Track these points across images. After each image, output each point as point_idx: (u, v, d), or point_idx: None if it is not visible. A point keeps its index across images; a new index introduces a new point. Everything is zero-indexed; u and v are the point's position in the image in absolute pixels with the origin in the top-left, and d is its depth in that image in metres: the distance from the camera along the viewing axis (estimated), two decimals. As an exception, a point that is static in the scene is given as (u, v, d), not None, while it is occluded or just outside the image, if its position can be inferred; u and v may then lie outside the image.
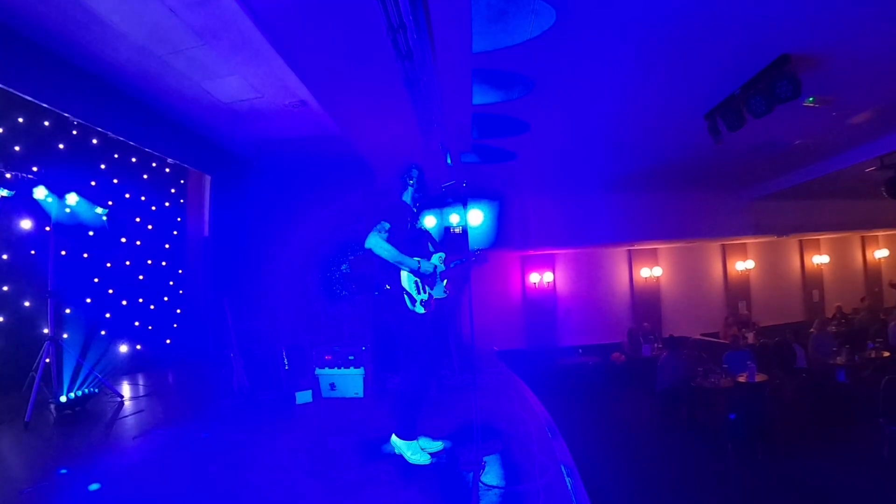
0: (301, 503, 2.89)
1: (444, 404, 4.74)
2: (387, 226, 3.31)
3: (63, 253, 5.85)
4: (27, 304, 5.59)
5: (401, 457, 3.38)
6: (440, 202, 8.38)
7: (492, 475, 3.12)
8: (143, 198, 7.47)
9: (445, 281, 3.63)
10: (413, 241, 3.46)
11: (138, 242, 7.37)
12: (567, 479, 3.00)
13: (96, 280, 6.61)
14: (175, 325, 7.98)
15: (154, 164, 7.67)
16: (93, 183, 6.50)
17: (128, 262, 7.17)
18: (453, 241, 8.24)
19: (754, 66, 5.10)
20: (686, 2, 4.05)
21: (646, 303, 13.17)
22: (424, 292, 3.41)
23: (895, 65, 5.21)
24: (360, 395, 5.26)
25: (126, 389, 5.86)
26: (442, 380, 5.58)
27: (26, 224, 5.52)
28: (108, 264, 6.82)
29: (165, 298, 7.89)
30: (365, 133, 6.55)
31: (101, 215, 5.48)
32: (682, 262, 13.62)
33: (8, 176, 4.79)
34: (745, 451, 6.60)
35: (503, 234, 10.49)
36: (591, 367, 11.37)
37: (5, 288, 5.43)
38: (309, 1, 3.81)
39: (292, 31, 4.17)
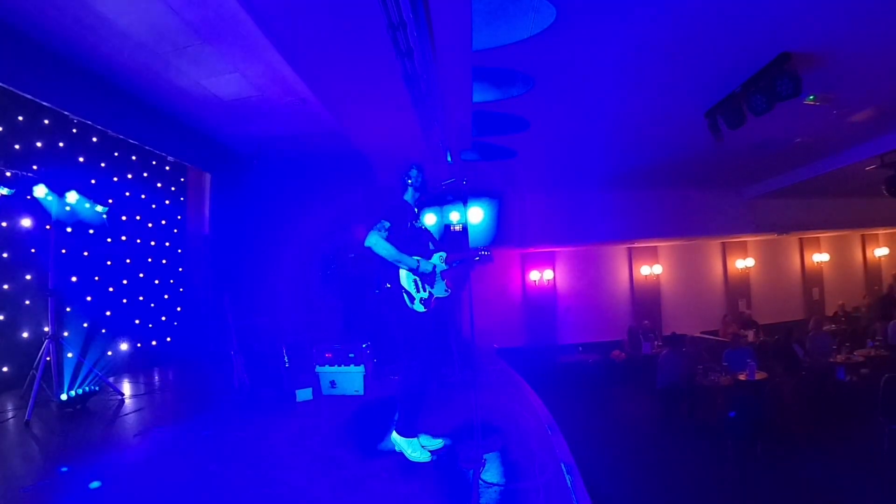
0: (301, 500, 2.90)
1: (445, 402, 4.74)
2: (387, 224, 3.31)
3: (63, 251, 5.84)
4: (27, 302, 5.59)
5: (401, 454, 3.38)
6: (440, 200, 8.38)
7: (492, 473, 3.13)
8: (143, 196, 7.47)
9: (445, 280, 3.63)
10: (413, 240, 3.46)
11: (138, 240, 7.37)
12: (567, 477, 3.01)
13: (96, 278, 6.61)
14: (175, 323, 7.99)
15: (154, 162, 7.66)
16: (93, 181, 6.49)
17: (128, 260, 7.17)
18: (453, 238, 8.24)
19: (755, 64, 5.09)
20: (687, 0, 4.05)
21: (646, 300, 13.17)
22: (424, 290, 3.41)
23: (895, 63, 5.21)
24: (361, 392, 5.27)
25: (126, 387, 5.87)
26: (442, 377, 5.59)
27: (26, 222, 5.52)
28: (109, 262, 6.82)
29: (166, 296, 7.89)
30: (365, 131, 6.55)
31: (101, 213, 5.48)
32: (683, 260, 13.62)
33: (8, 174, 4.79)
34: (744, 449, 6.61)
35: (503, 231, 10.48)
36: (591, 364, 11.38)
37: (5, 286, 5.43)
38: (309, -1, 3.80)
39: (292, 28, 4.17)
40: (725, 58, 5.02)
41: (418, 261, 3.36)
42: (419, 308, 3.36)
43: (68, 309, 5.94)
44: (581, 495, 2.80)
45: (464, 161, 8.10)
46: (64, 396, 4.67)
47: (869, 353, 8.56)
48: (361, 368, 5.27)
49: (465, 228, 8.22)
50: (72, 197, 5.08)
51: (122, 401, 5.24)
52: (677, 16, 4.26)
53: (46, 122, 5.85)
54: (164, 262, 7.91)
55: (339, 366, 5.29)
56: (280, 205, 7.90)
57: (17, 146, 5.56)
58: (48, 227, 5.04)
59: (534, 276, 12.76)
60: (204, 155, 7.55)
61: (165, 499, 2.97)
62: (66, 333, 5.37)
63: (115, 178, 6.97)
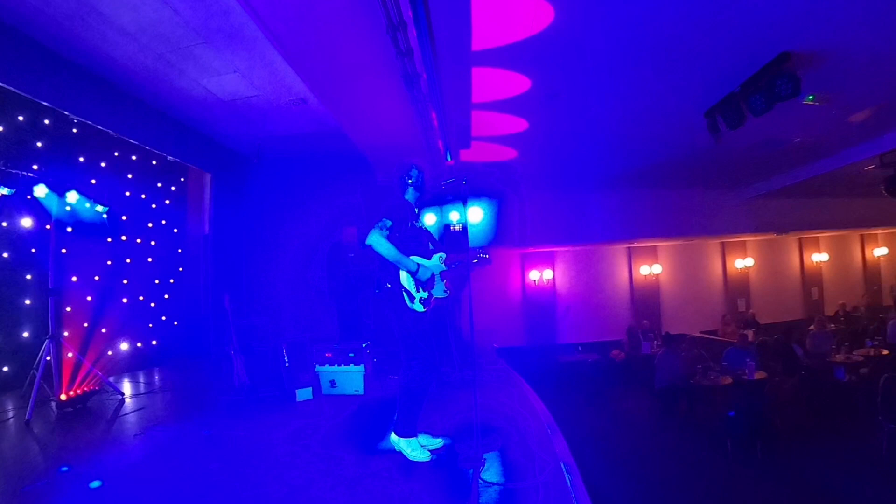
0: (301, 499, 2.90)
1: (444, 401, 4.75)
2: (388, 223, 3.31)
3: (63, 251, 5.85)
4: (28, 301, 5.59)
5: (401, 454, 3.39)
6: (440, 200, 8.39)
7: (491, 472, 3.13)
8: (143, 195, 7.47)
9: (445, 280, 3.64)
10: (414, 240, 3.47)
11: (139, 240, 7.38)
12: (566, 476, 3.01)
13: (97, 278, 6.62)
14: (176, 323, 8.00)
15: (154, 162, 7.66)
16: (93, 181, 6.50)
17: (128, 260, 7.17)
18: (453, 238, 8.25)
19: (754, 64, 5.10)
20: (686, 0, 4.06)
21: (645, 300, 13.19)
22: (424, 290, 3.42)
23: (894, 63, 5.22)
24: (361, 392, 5.27)
25: (127, 387, 5.88)
26: (442, 377, 5.60)
27: (27, 222, 5.53)
28: (109, 262, 6.82)
29: (166, 296, 7.89)
30: (365, 131, 6.55)
31: (101, 213, 5.48)
32: (682, 260, 13.64)
33: (8, 174, 4.79)
34: (744, 448, 6.62)
35: (502, 231, 10.50)
36: (591, 364, 11.40)
37: (6, 286, 5.43)
38: (309, -1, 3.81)
39: (292, 28, 4.17)
40: (725, 57, 5.03)
41: (418, 265, 3.36)
42: (419, 308, 3.37)
43: (68, 308, 5.95)
44: (580, 494, 2.81)
45: (463, 161, 8.10)
46: (64, 396, 4.68)
47: (868, 353, 8.58)
48: (361, 368, 5.28)
49: (464, 228, 8.22)
50: (72, 197, 5.08)
51: (123, 400, 5.24)
52: (676, 15, 4.26)
53: (47, 122, 5.86)
54: (164, 261, 7.91)
55: (339, 365, 5.29)
56: (280, 205, 7.92)
57: (17, 146, 5.57)
58: (48, 226, 5.05)
59: (533, 275, 12.78)
60: (204, 155, 7.56)
61: (166, 498, 2.97)
62: (66, 333, 5.38)
63: (116, 178, 6.98)
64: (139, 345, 7.15)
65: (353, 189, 7.86)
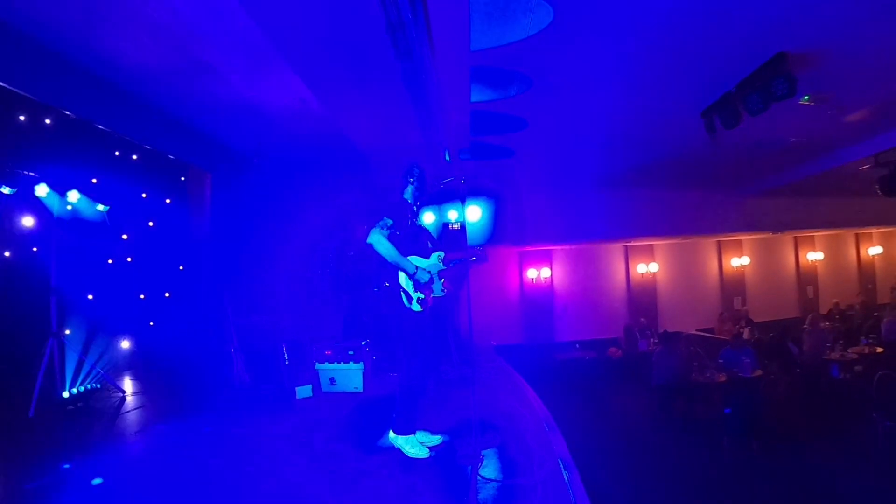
0: (301, 496, 2.94)
1: (443, 398, 4.79)
2: (389, 222, 3.34)
3: (65, 250, 5.87)
4: (30, 300, 5.61)
5: (399, 450, 3.43)
6: (439, 199, 8.42)
7: (490, 468, 3.18)
8: (143, 195, 7.48)
9: (443, 279, 3.67)
10: (413, 239, 3.50)
11: (139, 239, 7.39)
12: (564, 473, 3.06)
13: (98, 276, 6.63)
14: (176, 321, 8.01)
15: (155, 162, 7.67)
16: (94, 180, 6.50)
17: (129, 259, 7.19)
18: (452, 237, 8.28)
19: (751, 64, 5.13)
20: (684, 0, 4.09)
21: (642, 298, 13.24)
22: (421, 291, 3.45)
23: (890, 63, 5.26)
24: (360, 389, 5.31)
25: (128, 384, 5.91)
26: (440, 374, 5.64)
27: (28, 221, 5.54)
28: (110, 261, 6.84)
29: (167, 294, 7.91)
30: (364, 130, 6.57)
31: (102, 212, 5.51)
32: (678, 259, 13.70)
33: (10, 173, 4.82)
34: (740, 445, 6.68)
35: (501, 230, 10.51)
36: (588, 361, 11.45)
37: (8, 285, 5.45)
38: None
39: (292, 29, 4.20)
40: (722, 57, 5.06)
41: (417, 267, 3.39)
42: (416, 308, 3.40)
43: (70, 307, 5.97)
44: (578, 491, 2.85)
45: (462, 160, 8.13)
46: (66, 394, 4.72)
47: (862, 351, 8.65)
48: (361, 365, 5.31)
49: (463, 227, 8.26)
50: (73, 196, 5.11)
51: (124, 398, 5.28)
52: (674, 16, 4.30)
53: (48, 121, 5.87)
54: (164, 260, 7.93)
55: (339, 363, 5.33)
56: (280, 204, 7.93)
57: (18, 145, 5.58)
58: (50, 225, 5.07)
59: (531, 273, 12.82)
60: (204, 154, 7.56)
61: (167, 495, 3.01)
62: (67, 331, 5.41)
63: (116, 177, 6.99)
64: (140, 343, 7.16)
65: (353, 189, 7.89)
